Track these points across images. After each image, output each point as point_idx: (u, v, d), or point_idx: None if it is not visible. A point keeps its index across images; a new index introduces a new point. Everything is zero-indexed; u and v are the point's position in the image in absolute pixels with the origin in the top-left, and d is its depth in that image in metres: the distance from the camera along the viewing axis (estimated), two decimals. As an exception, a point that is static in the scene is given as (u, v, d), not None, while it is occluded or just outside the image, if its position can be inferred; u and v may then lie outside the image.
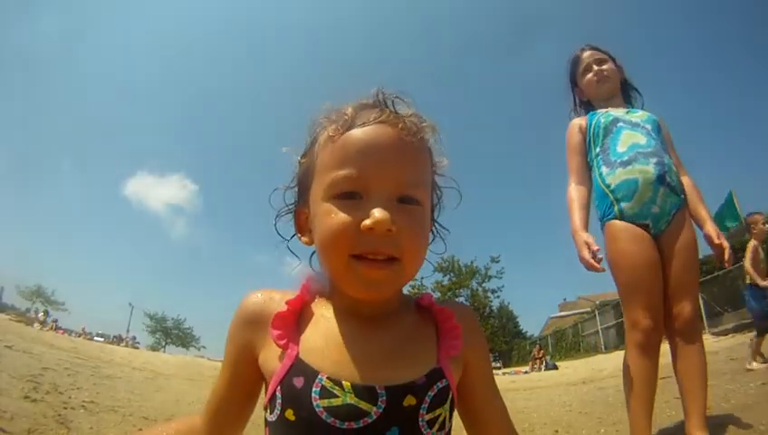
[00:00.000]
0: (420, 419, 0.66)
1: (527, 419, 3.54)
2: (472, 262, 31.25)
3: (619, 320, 15.70)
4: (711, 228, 1.86)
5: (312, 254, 0.82)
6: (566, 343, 24.04)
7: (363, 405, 0.64)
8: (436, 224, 0.86)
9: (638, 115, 2.05)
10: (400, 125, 0.71)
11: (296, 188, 0.84)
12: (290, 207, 0.84)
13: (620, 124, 2.00)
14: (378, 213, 0.65)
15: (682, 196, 1.90)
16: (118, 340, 34.77)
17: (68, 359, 5.75)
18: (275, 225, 0.85)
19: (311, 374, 0.66)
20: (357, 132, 0.70)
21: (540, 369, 16.29)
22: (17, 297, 41.37)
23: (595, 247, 1.76)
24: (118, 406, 3.48)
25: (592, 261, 1.74)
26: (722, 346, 6.99)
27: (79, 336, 23.56)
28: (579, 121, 2.12)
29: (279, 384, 0.68)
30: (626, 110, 2.09)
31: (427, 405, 0.67)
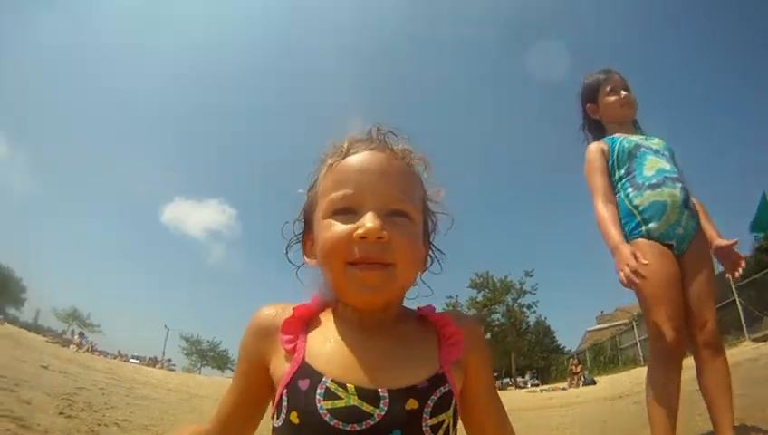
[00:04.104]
0: (424, 423, 0.67)
1: (559, 435, 3.43)
2: (506, 277, 30.64)
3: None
4: (722, 241, 1.96)
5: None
6: (604, 356, 23.14)
7: (366, 407, 0.66)
8: (432, 247, 0.90)
9: (656, 142, 2.14)
10: (388, 151, 0.81)
11: (303, 219, 0.90)
12: (298, 236, 0.90)
13: (643, 150, 2.08)
14: (368, 222, 0.71)
15: (698, 220, 1.99)
16: (153, 362, 35.50)
17: (103, 379, 5.92)
18: (287, 254, 0.91)
19: (316, 377, 0.69)
20: (350, 159, 0.80)
21: (578, 384, 15.73)
22: (54, 319, 42.48)
23: (644, 261, 1.70)
24: (151, 425, 3.54)
25: (641, 269, 1.67)
26: (762, 352, 6.56)
27: (114, 358, 24.25)
28: (600, 145, 2.17)
29: (285, 387, 0.71)
30: (642, 136, 2.17)
31: (429, 410, 0.68)
